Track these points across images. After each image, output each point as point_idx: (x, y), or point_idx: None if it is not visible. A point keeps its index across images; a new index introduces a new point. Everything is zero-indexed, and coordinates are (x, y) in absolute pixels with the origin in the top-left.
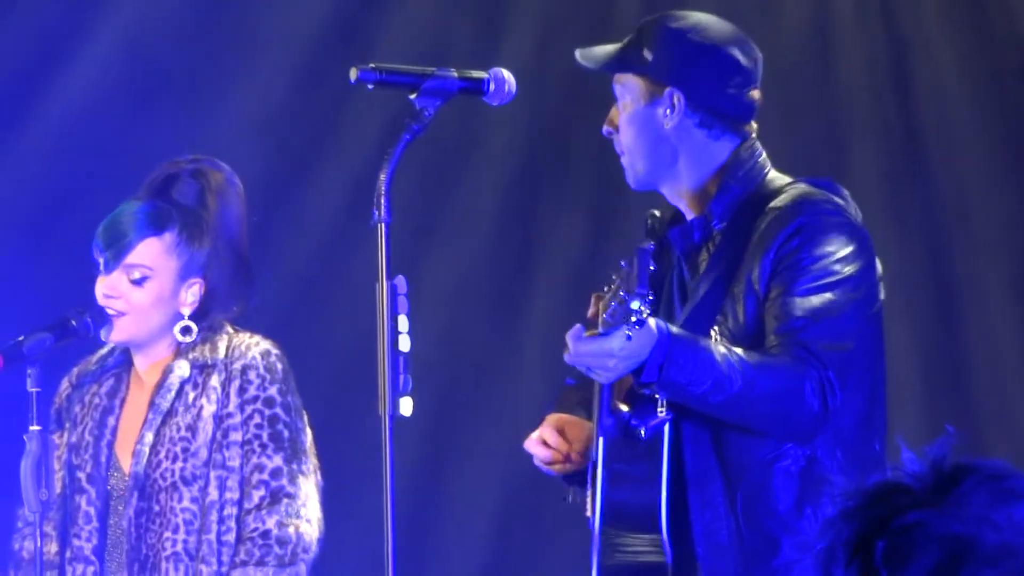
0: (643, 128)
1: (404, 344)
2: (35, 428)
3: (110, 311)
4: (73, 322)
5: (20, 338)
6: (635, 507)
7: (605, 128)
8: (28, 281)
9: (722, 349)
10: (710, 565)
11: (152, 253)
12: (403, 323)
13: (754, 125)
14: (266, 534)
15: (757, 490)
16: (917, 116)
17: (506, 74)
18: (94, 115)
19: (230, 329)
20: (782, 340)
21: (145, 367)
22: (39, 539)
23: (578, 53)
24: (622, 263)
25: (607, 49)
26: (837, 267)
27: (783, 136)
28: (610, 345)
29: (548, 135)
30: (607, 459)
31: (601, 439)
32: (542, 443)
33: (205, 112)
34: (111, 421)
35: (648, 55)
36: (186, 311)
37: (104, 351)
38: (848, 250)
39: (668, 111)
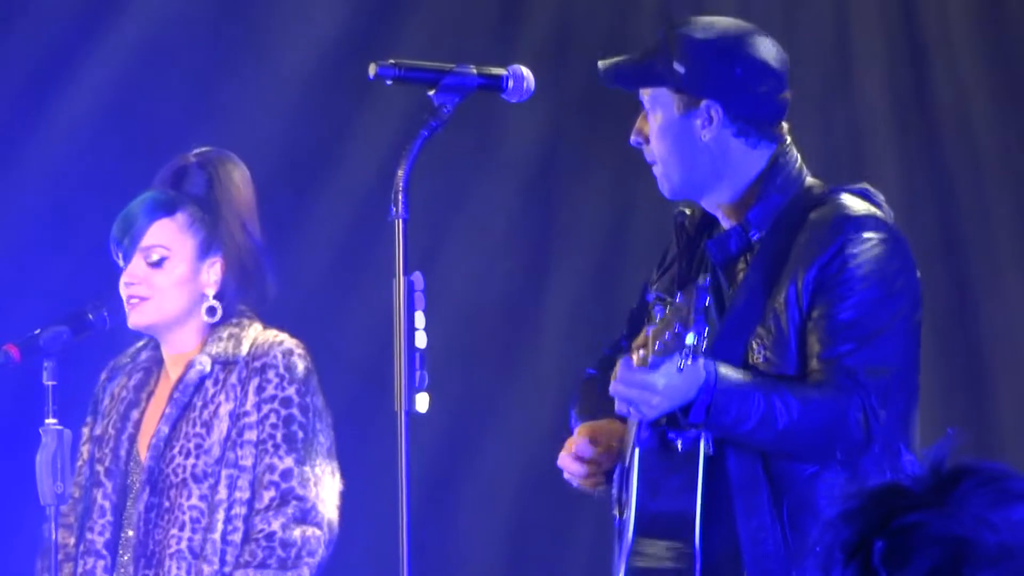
0: (679, 139)
1: (421, 340)
2: (51, 422)
3: (133, 300)
4: (90, 315)
5: (37, 331)
6: (670, 516)
7: (634, 138)
8: (45, 275)
9: (768, 385)
10: (758, 573)
11: (166, 233)
12: (420, 319)
13: (785, 125)
14: (271, 536)
15: (803, 500)
16: (935, 112)
17: (525, 71)
18: (111, 110)
19: (258, 326)
20: (826, 367)
21: (172, 360)
22: (54, 531)
23: (602, 71)
24: (678, 296)
25: (631, 62)
26: (881, 287)
27: (802, 132)
28: (655, 380)
29: (566, 132)
30: (643, 469)
31: (637, 449)
32: (576, 459)
33: (224, 109)
34: (135, 415)
35: (679, 68)
36: (210, 291)
37: (139, 345)
38: (891, 268)
39: (706, 123)
